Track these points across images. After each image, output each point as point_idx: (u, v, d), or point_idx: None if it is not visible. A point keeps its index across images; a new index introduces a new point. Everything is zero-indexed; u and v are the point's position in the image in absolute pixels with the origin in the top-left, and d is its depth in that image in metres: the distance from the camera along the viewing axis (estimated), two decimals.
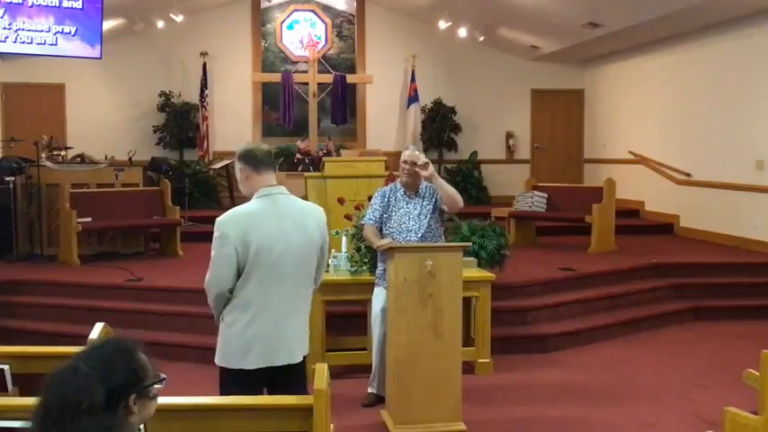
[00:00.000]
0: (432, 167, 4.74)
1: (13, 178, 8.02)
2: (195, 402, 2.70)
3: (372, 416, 4.67)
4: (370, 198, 5.52)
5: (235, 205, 3.35)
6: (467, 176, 12.21)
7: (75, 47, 9.23)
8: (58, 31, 9.01)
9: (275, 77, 11.73)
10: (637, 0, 8.52)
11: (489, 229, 6.19)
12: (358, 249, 5.42)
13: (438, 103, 12.46)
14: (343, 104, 11.76)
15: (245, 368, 3.15)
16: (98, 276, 7.12)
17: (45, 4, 8.84)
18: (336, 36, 12.47)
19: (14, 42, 8.75)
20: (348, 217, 5.83)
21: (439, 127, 12.38)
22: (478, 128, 12.70)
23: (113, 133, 11.52)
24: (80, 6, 9.10)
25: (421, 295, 4.32)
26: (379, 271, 4.90)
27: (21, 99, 11.61)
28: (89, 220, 7.83)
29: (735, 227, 8.98)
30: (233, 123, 12.10)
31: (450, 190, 4.81)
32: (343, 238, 5.57)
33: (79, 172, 8.47)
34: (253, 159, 3.26)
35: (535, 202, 9.04)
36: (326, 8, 12.40)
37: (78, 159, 8.90)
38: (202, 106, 11.79)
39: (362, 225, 5.10)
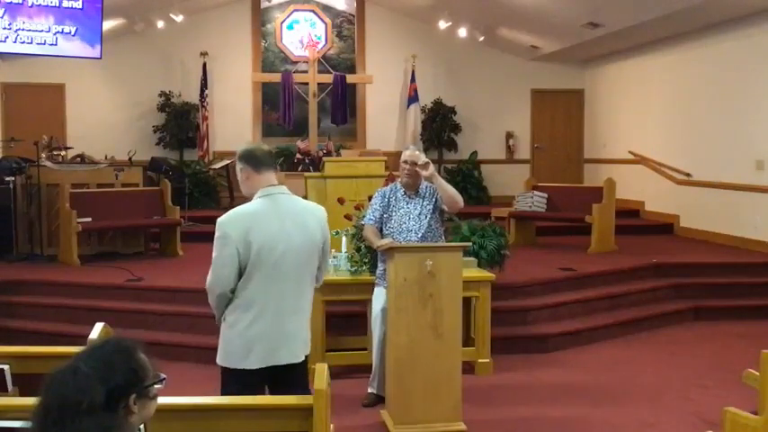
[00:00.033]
0: (432, 167, 4.74)
1: (13, 178, 8.02)
2: (195, 402, 2.70)
3: (372, 416, 4.67)
4: (370, 198, 5.52)
5: (235, 205, 3.35)
6: (467, 176, 12.21)
7: (75, 47, 9.23)
8: (58, 31, 9.01)
9: (275, 77, 11.73)
10: (637, 0, 8.52)
11: (489, 229, 6.19)
12: (358, 249, 5.42)
13: (438, 103, 12.46)
14: (343, 104, 11.76)
15: (248, 368, 3.15)
16: (98, 276, 7.12)
17: (45, 4, 8.84)
18: (336, 36, 12.47)
19: (14, 42, 8.75)
20: (348, 217, 5.83)
21: (439, 127, 12.38)
22: (478, 128, 12.70)
23: (113, 133, 11.52)
24: (80, 6, 9.10)
25: (421, 295, 4.32)
26: (379, 271, 4.90)
27: (21, 99, 11.61)
28: (89, 220, 7.83)
29: (735, 227, 8.98)
30: (233, 123, 12.11)
31: (451, 190, 4.81)
32: (343, 238, 5.57)
33: (79, 172, 8.47)
34: (253, 159, 3.27)
35: (535, 202, 9.04)
36: (326, 8, 12.40)
37: (78, 159, 8.89)
38: (202, 106, 11.79)
39: (362, 225, 5.10)
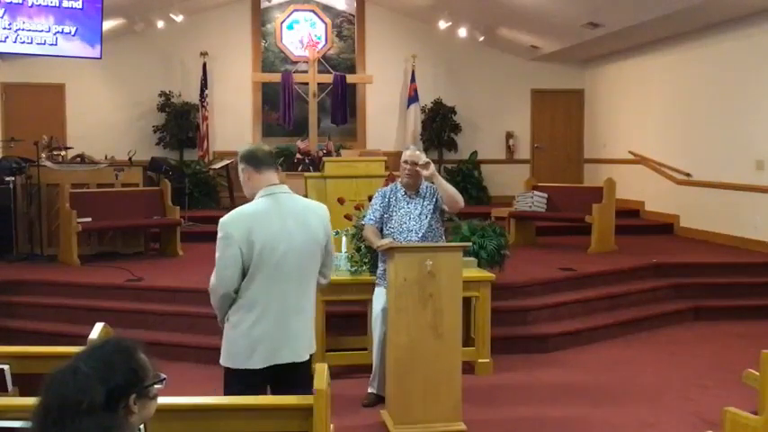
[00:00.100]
0: (432, 167, 4.74)
1: (13, 178, 8.02)
2: (195, 402, 2.70)
3: (372, 416, 4.67)
4: (370, 198, 5.52)
5: (235, 205, 3.35)
6: (467, 176, 12.21)
7: (75, 47, 9.23)
8: (58, 31, 9.01)
9: (275, 77, 11.74)
10: (637, 0, 8.52)
11: (489, 229, 6.19)
12: (358, 249, 5.42)
13: (438, 103, 12.46)
14: (344, 104, 11.76)
15: (251, 368, 3.16)
16: (98, 276, 7.12)
17: (45, 4, 8.84)
18: (336, 36, 12.47)
19: (14, 42, 8.75)
20: (348, 217, 5.83)
21: (439, 127, 12.38)
22: (478, 128, 12.70)
23: (113, 133, 11.53)
24: (80, 6, 9.10)
25: (421, 295, 4.32)
26: (379, 271, 4.90)
27: (21, 99, 11.61)
28: (89, 220, 7.83)
29: (735, 227, 8.98)
30: (233, 123, 12.11)
31: (451, 190, 4.81)
32: (344, 238, 5.57)
33: (79, 172, 8.47)
34: (254, 159, 3.28)
35: (535, 202, 9.04)
36: (326, 8, 12.40)
37: (78, 159, 8.89)
38: (202, 106, 11.80)
39: (362, 225, 5.10)
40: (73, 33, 9.13)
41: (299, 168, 10.51)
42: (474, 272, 5.54)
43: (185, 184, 10.57)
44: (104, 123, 11.71)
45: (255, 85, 12.18)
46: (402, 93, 12.51)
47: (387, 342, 4.54)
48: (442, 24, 11.61)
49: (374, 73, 12.01)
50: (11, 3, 8.61)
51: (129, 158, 9.17)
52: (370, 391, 4.93)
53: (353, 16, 12.57)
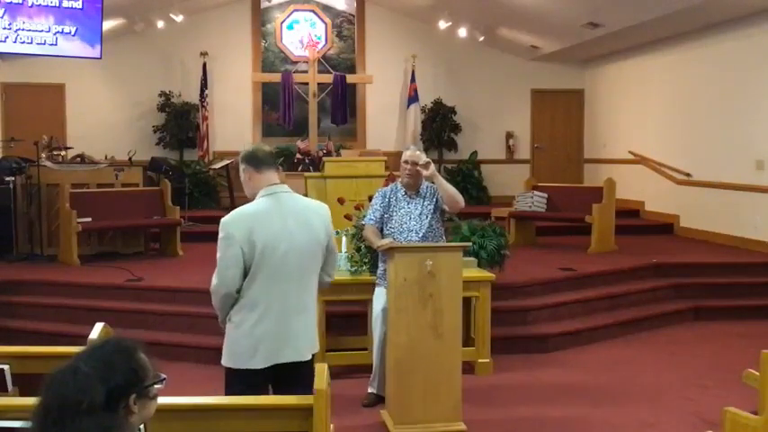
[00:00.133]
0: (433, 167, 4.75)
1: (13, 178, 8.02)
2: (195, 402, 2.70)
3: (372, 416, 4.67)
4: (370, 198, 5.52)
5: (235, 205, 3.36)
6: (467, 176, 12.21)
7: (75, 47, 9.23)
8: (58, 31, 9.01)
9: (275, 77, 11.74)
10: (637, 0, 8.52)
11: (489, 229, 6.19)
12: (358, 249, 5.42)
13: (438, 103, 12.46)
14: (343, 104, 11.76)
15: (254, 368, 3.16)
16: (98, 276, 7.12)
17: (45, 4, 8.84)
18: (336, 36, 12.47)
19: (14, 42, 8.75)
20: (348, 217, 5.83)
21: (439, 127, 12.38)
22: (478, 128, 12.70)
23: (113, 133, 11.52)
24: (80, 6, 9.10)
25: (421, 295, 4.32)
26: (380, 271, 4.90)
27: (21, 99, 11.61)
28: (89, 220, 7.83)
29: (735, 227, 8.98)
30: (233, 123, 12.11)
31: (452, 190, 4.82)
32: (344, 238, 5.57)
33: (79, 172, 8.47)
34: (254, 160, 3.29)
35: (535, 202, 9.04)
36: (326, 8, 12.40)
37: (78, 159, 8.89)
38: (202, 106, 11.79)
39: (362, 225, 5.10)
40: (73, 33, 9.13)
41: (299, 168, 10.51)
42: (474, 272, 5.54)
43: (185, 184, 10.57)
44: (104, 123, 11.71)
45: (255, 85, 12.18)
46: (402, 93, 12.51)
47: (387, 342, 4.54)
48: (442, 24, 11.61)
49: (374, 73, 12.01)
50: (11, 3, 8.61)
51: (129, 158, 9.17)
52: (370, 391, 4.93)
53: (353, 16, 12.57)
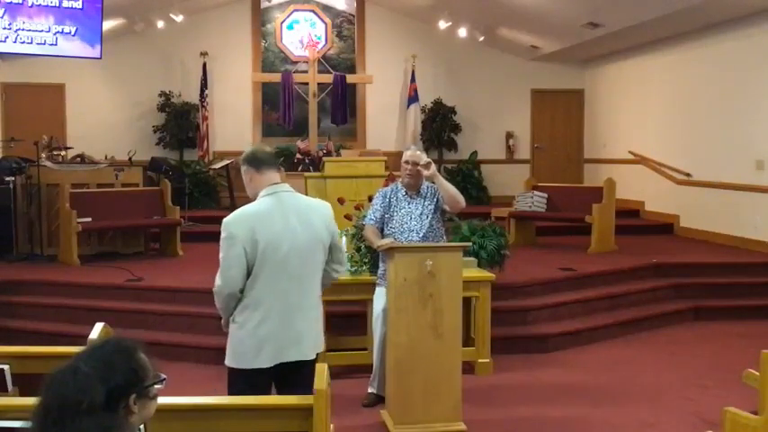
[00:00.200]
0: (434, 167, 4.75)
1: (13, 178, 8.02)
2: (195, 402, 2.70)
3: (372, 416, 4.67)
4: (370, 198, 5.52)
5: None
6: (467, 176, 12.20)
7: (75, 47, 9.23)
8: (58, 31, 9.01)
9: (275, 77, 11.73)
10: (637, 0, 8.52)
11: (489, 229, 6.19)
12: (358, 249, 5.42)
13: (438, 103, 12.46)
14: (343, 104, 11.76)
15: (258, 367, 3.16)
16: (98, 276, 7.12)
17: (45, 4, 8.84)
18: (336, 36, 12.47)
19: (14, 42, 8.75)
20: (348, 217, 5.83)
21: (439, 127, 12.38)
22: (478, 128, 12.70)
23: (113, 133, 11.52)
24: (80, 6, 9.10)
25: (421, 295, 4.32)
26: (380, 271, 4.90)
27: (21, 99, 11.61)
28: (89, 220, 7.83)
29: (735, 227, 8.98)
30: (233, 123, 12.11)
31: (453, 190, 4.82)
32: (343, 238, 5.56)
33: (79, 172, 8.47)
34: (254, 160, 3.31)
35: (535, 202, 9.04)
36: (326, 8, 12.40)
37: (78, 159, 8.89)
38: (202, 106, 11.79)
39: (363, 225, 5.11)
40: (73, 33, 9.13)
41: (299, 168, 10.50)
42: (474, 272, 5.54)
43: (185, 184, 10.57)
44: (104, 123, 11.71)
45: (255, 85, 12.18)
46: (402, 93, 12.51)
47: (387, 342, 4.54)
48: (442, 24, 11.61)
49: (374, 73, 12.01)
50: (11, 3, 8.61)
51: (129, 158, 9.17)
52: (370, 391, 4.93)
53: (353, 16, 12.57)
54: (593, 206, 8.48)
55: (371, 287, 5.05)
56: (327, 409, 2.61)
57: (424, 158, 4.78)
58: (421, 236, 4.78)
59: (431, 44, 12.39)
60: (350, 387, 5.09)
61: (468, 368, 5.38)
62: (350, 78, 11.82)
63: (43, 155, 8.48)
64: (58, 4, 8.95)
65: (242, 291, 3.17)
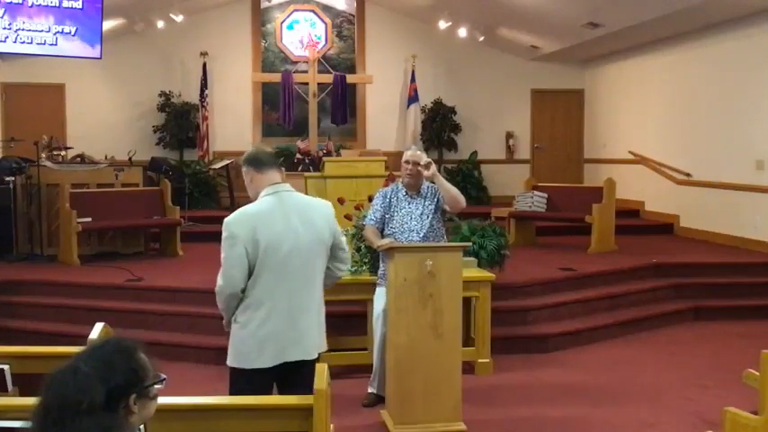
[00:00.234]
0: (434, 167, 4.75)
1: (13, 178, 8.02)
2: (195, 402, 2.70)
3: (372, 416, 4.67)
4: (370, 198, 5.52)
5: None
6: (467, 176, 12.20)
7: (75, 47, 9.23)
8: (58, 31, 9.01)
9: (275, 77, 11.73)
10: (637, 0, 8.52)
11: (489, 229, 6.19)
12: (358, 249, 5.42)
13: (438, 103, 12.46)
14: (343, 104, 11.76)
15: (260, 367, 3.16)
16: (98, 276, 7.12)
17: (45, 4, 8.84)
18: (336, 36, 12.47)
19: (14, 42, 8.75)
20: (348, 217, 5.83)
21: (439, 127, 12.38)
22: (478, 128, 12.70)
23: (113, 133, 11.52)
24: (80, 6, 9.10)
25: (421, 295, 4.32)
26: (380, 271, 4.90)
27: (21, 99, 11.61)
28: (89, 220, 7.83)
29: (735, 227, 8.98)
30: (233, 123, 12.11)
31: (453, 190, 4.81)
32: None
33: (79, 172, 8.47)
34: (255, 161, 3.31)
35: (535, 202, 9.04)
36: (326, 8, 12.40)
37: (78, 159, 8.90)
38: (202, 106, 11.79)
39: (363, 225, 5.10)
40: (73, 33, 9.13)
41: (299, 168, 10.50)
42: (474, 272, 5.54)
43: (185, 184, 10.57)
44: (104, 123, 11.71)
45: (255, 85, 12.18)
46: (402, 93, 12.51)
47: (387, 342, 4.54)
48: (442, 24, 11.61)
49: (374, 73, 12.01)
50: (11, 3, 8.61)
51: (129, 158, 9.17)
52: (370, 391, 4.93)
53: (353, 16, 12.57)
54: (593, 206, 8.49)
55: (371, 287, 5.05)
56: (327, 409, 2.61)
57: (424, 158, 4.78)
58: (421, 236, 4.78)
59: (431, 44, 12.39)
60: (350, 387, 5.09)
61: (468, 368, 5.38)
62: (350, 78, 11.82)
63: (43, 155, 8.48)
64: (57, 4, 8.95)
65: (243, 291, 3.17)
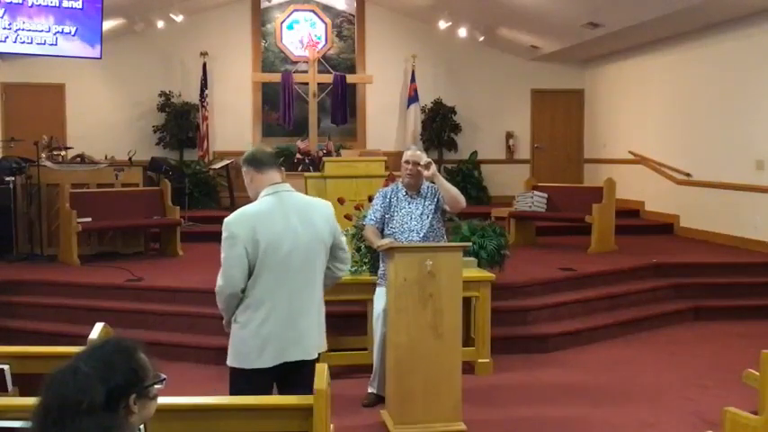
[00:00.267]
0: (434, 167, 4.75)
1: (13, 178, 8.02)
2: (195, 402, 2.70)
3: (372, 416, 4.67)
4: (370, 198, 5.52)
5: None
6: (467, 176, 12.21)
7: (75, 47, 9.23)
8: (58, 31, 9.01)
9: (275, 77, 11.73)
10: (637, 0, 8.52)
11: (489, 229, 6.19)
12: (358, 249, 5.42)
13: (438, 103, 12.46)
14: (344, 104, 11.76)
15: (261, 367, 3.16)
16: (98, 276, 7.12)
17: (45, 4, 8.84)
18: (336, 36, 12.47)
19: (14, 42, 8.75)
20: (348, 217, 5.83)
21: (439, 127, 12.38)
22: (478, 128, 12.70)
23: (113, 133, 11.52)
24: (80, 6, 9.10)
25: (421, 295, 4.32)
26: (381, 271, 4.90)
27: (21, 99, 11.61)
28: (89, 220, 7.83)
29: (735, 227, 8.98)
30: (233, 123, 12.11)
31: (453, 190, 4.81)
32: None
33: (79, 172, 8.47)
34: (254, 161, 3.32)
35: (535, 202, 9.04)
36: (326, 8, 12.40)
37: (78, 159, 8.89)
38: (202, 106, 11.79)
39: (363, 225, 5.11)
40: (73, 33, 9.13)
41: (299, 168, 10.50)
42: (474, 272, 5.54)
43: (185, 184, 10.57)
44: (104, 123, 11.70)
45: (255, 85, 12.18)
46: (402, 93, 12.51)
47: (387, 342, 4.54)
48: (442, 24, 11.61)
49: (374, 73, 12.01)
50: (11, 3, 8.61)
51: (129, 158, 9.17)
52: (370, 391, 4.93)
53: (353, 16, 12.57)
54: (593, 206, 8.49)
55: (371, 287, 5.05)
56: (327, 409, 2.61)
57: (424, 158, 4.78)
58: (421, 236, 4.78)
59: (431, 44, 12.39)
60: (350, 387, 5.09)
61: (469, 368, 5.38)
62: (350, 78, 11.82)
63: (43, 155, 8.48)
64: (57, 4, 8.95)
65: (244, 291, 3.17)
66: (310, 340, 3.25)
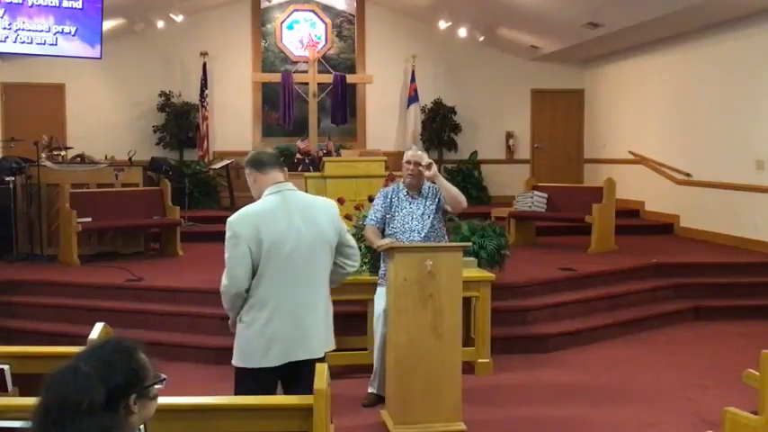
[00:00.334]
0: (435, 167, 4.75)
1: (13, 178, 8.02)
2: (195, 402, 2.70)
3: (372, 416, 4.67)
4: (370, 198, 5.52)
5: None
6: (467, 176, 12.21)
7: (75, 47, 9.23)
8: (58, 31, 9.01)
9: (275, 77, 11.74)
10: (637, 0, 8.52)
11: (489, 229, 6.19)
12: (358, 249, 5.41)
13: (438, 103, 12.46)
14: (343, 104, 11.76)
15: (266, 366, 3.15)
16: (98, 276, 7.12)
17: (45, 4, 8.84)
18: (336, 36, 12.47)
19: (14, 42, 8.75)
20: (348, 217, 5.82)
21: (439, 127, 12.38)
22: (478, 128, 12.70)
23: (113, 133, 11.52)
24: (80, 6, 9.10)
25: (421, 295, 4.32)
26: (381, 271, 4.90)
27: (21, 99, 11.61)
28: (89, 220, 7.83)
29: (735, 227, 8.98)
30: (233, 123, 12.11)
31: (454, 190, 4.82)
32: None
33: (79, 172, 8.47)
34: (256, 162, 3.32)
35: (535, 202, 9.04)
36: (326, 8, 12.40)
37: (78, 159, 8.89)
38: (202, 106, 11.79)
39: (363, 225, 5.11)
40: (73, 33, 9.13)
41: (299, 168, 10.50)
42: (474, 272, 5.54)
43: (185, 184, 10.56)
44: (104, 123, 11.70)
45: (255, 85, 12.18)
46: (402, 93, 12.51)
47: (387, 342, 4.54)
48: (442, 24, 11.61)
49: (374, 73, 12.01)
50: (11, 3, 8.61)
51: (129, 158, 9.17)
52: (370, 391, 4.93)
53: (353, 16, 12.57)
54: (593, 206, 8.49)
55: (372, 287, 5.06)
56: (327, 409, 2.61)
57: (425, 159, 4.78)
58: (422, 236, 4.78)
59: (431, 44, 12.39)
60: (350, 387, 5.09)
61: (469, 368, 5.38)
62: (350, 78, 11.82)
63: (43, 155, 8.48)
64: (57, 4, 8.95)
65: (248, 290, 3.17)
66: (316, 339, 3.25)
